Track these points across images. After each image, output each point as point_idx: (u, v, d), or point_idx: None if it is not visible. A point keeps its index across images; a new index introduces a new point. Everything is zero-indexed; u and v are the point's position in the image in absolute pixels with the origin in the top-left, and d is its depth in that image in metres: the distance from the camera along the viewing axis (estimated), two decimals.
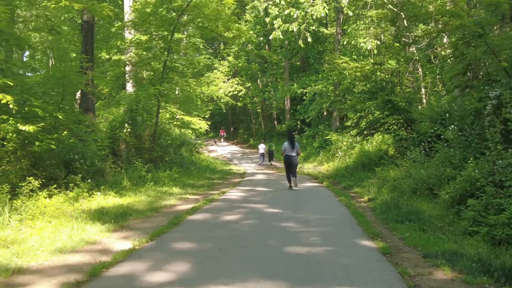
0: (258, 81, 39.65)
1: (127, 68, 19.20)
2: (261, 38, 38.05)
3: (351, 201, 9.85)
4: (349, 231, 6.83)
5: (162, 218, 8.12)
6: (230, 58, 38.45)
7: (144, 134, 15.00)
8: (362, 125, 16.19)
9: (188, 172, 15.99)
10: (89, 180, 9.59)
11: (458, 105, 9.72)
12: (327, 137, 24.97)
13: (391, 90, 14.14)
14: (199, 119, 31.31)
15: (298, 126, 35.02)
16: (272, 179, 16.15)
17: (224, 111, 40.48)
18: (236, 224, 7.51)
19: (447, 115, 10.02)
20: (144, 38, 16.54)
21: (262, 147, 26.89)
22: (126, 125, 14.75)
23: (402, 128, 14.11)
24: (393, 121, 14.25)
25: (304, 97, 32.92)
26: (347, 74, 15.18)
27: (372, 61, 15.06)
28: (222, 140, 44.01)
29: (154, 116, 15.84)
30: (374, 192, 10.09)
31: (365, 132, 15.35)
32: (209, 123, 33.27)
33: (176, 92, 33.49)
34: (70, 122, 10.24)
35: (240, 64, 38.56)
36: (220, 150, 35.61)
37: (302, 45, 17.95)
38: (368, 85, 14.92)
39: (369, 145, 19.20)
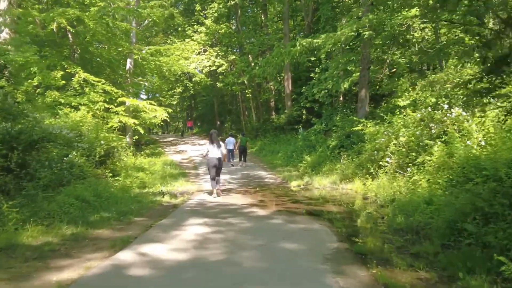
0: (250, 57, 28.12)
1: None
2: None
3: None
4: None
5: None
6: (208, 22, 27.26)
7: None
8: None
9: None
10: None
11: None
12: (354, 129, 13.86)
13: None
14: (150, 103, 20.35)
15: (304, 116, 24.18)
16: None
17: (192, 92, 29.26)
18: None
19: None
20: None
21: (231, 142, 18.65)
22: None
23: None
24: None
25: (312, 75, 22.22)
26: None
27: None
28: (190, 134, 35.08)
29: None
30: None
31: None
32: (170, 110, 22.22)
33: (128, 67, 22.40)
34: None
35: (222, 31, 27.39)
36: (191, 151, 24.53)
37: None
38: None
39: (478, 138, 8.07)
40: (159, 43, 29.26)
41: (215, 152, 10.46)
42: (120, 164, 12.64)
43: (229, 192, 11.14)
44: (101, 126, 12.97)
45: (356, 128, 13.51)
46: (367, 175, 11.06)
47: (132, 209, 7.89)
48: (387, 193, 8.57)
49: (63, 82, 16.83)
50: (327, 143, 16.82)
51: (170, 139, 33.80)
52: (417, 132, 9.57)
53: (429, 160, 8.64)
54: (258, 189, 11.82)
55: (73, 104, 16.27)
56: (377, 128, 12.30)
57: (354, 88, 21.50)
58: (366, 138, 12.71)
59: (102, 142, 11.25)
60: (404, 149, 9.92)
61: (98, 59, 21.27)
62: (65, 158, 10.02)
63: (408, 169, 9.39)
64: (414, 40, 15.29)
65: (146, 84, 27.43)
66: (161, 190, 10.62)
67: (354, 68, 18.71)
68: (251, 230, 6.06)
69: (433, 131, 9.54)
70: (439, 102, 10.46)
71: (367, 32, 12.05)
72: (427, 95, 11.21)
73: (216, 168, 10.52)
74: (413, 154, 9.42)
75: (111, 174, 11.64)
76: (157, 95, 32.71)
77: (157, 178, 13.32)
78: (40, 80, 16.34)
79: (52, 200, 7.31)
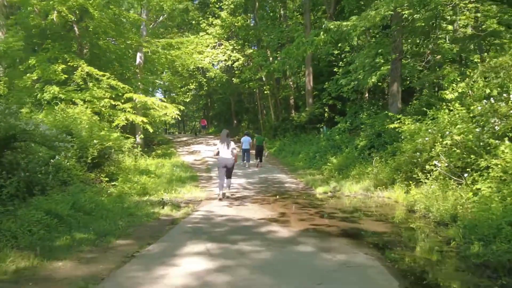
0: (268, 51, 26.28)
1: None
2: None
3: None
4: None
5: None
6: (224, 14, 25.61)
7: None
8: None
9: None
10: None
11: None
12: (389, 126, 11.99)
13: None
14: (160, 99, 18.83)
15: (326, 114, 22.38)
16: None
17: (205, 88, 27.69)
18: None
19: None
20: None
21: (246, 141, 17.62)
22: None
23: None
24: None
25: (335, 69, 20.42)
26: None
27: None
28: (204, 133, 34.27)
29: None
30: None
31: None
32: (182, 108, 20.61)
33: (138, 61, 20.87)
34: None
35: (239, 23, 25.70)
36: (205, 151, 22.96)
37: None
38: None
39: None
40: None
41: (226, 152, 10.00)
42: (119, 166, 11.04)
43: (244, 201, 9.42)
44: (98, 124, 11.36)
45: (392, 126, 11.61)
46: (408, 181, 9.20)
47: (119, 226, 6.22)
48: (443, 207, 6.69)
49: (65, 76, 15.41)
50: (355, 143, 14.99)
51: (184, 138, 32.37)
52: (477, 130, 7.66)
53: (497, 165, 6.75)
54: (277, 197, 10.07)
55: (75, 100, 14.78)
56: (418, 125, 10.43)
57: (380, 83, 19.58)
58: (403, 137, 10.85)
59: (95, 141, 9.63)
60: (458, 150, 8.02)
61: (107, 53, 19.82)
62: (52, 160, 8.49)
63: (465, 174, 7.50)
64: (459, 23, 13.37)
65: (161, 82, 25.94)
66: (162, 199, 8.92)
67: (382, 61, 16.77)
68: (270, 266, 4.27)
69: (496, 127, 7.63)
70: (494, 93, 8.54)
71: (407, 11, 10.19)
72: (481, 85, 9.29)
73: (226, 169, 10.03)
74: (472, 156, 7.52)
75: (107, 179, 10.08)
76: (172, 94, 31.30)
77: (162, 183, 11.70)
78: (40, 74, 14.96)
79: (15, 215, 5.71)
